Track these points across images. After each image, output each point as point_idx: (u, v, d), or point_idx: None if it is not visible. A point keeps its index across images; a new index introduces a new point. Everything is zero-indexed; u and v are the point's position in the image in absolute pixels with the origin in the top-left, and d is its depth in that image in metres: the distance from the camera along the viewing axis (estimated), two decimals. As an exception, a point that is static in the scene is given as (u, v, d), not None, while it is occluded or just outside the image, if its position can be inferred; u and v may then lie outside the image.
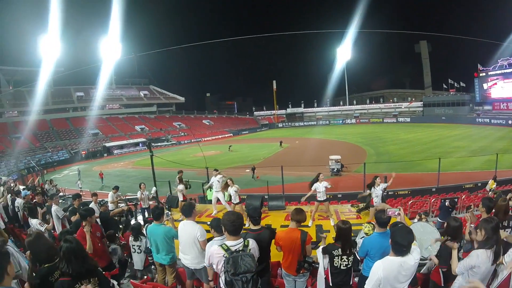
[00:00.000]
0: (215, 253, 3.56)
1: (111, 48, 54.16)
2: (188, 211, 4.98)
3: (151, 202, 13.08)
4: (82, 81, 74.68)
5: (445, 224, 4.46)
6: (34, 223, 7.07)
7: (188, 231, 4.91)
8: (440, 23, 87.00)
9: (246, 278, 3.20)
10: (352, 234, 4.66)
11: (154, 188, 14.19)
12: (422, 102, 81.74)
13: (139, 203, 13.17)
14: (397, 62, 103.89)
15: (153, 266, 6.51)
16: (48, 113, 67.78)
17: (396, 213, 4.24)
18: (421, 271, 5.06)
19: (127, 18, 47.71)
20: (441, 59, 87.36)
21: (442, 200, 11.29)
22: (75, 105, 75.21)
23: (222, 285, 3.45)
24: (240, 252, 3.39)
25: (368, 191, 9.40)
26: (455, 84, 76.19)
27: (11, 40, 56.14)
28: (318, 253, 4.47)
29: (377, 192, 9.17)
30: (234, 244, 3.55)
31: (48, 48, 50.90)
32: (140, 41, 78.40)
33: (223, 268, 3.37)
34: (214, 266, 3.60)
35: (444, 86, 78.82)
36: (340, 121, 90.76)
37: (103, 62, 58.55)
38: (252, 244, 3.68)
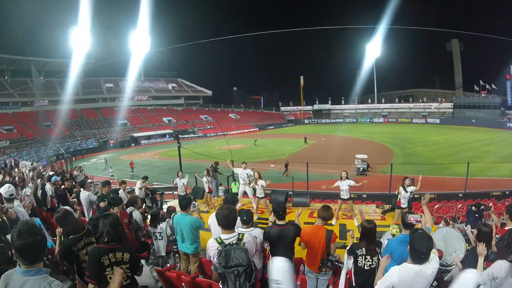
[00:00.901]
0: (210, 246, 3.66)
1: (141, 41, 54.92)
2: (232, 202, 5.09)
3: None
4: (111, 72, 76.50)
5: (477, 231, 4.37)
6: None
7: None
8: (473, 22, 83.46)
9: (238, 271, 3.24)
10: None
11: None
12: (452, 104, 78.40)
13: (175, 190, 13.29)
14: (428, 60, 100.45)
15: (176, 255, 6.63)
16: (78, 103, 69.74)
17: (417, 220, 4.14)
18: (445, 278, 4.98)
19: (157, 11, 48.41)
20: (473, 59, 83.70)
21: (469, 206, 11.00)
22: (104, 96, 77.08)
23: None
24: (234, 245, 3.45)
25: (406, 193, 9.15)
26: (487, 86, 72.65)
27: (42, 32, 58.46)
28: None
29: (405, 193, 8.99)
30: (228, 237, 3.62)
31: (79, 40, 51.96)
32: (170, 34, 79.14)
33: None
34: (211, 259, 3.68)
35: (476, 87, 75.22)
36: (368, 120, 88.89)
37: (132, 55, 59.42)
38: (248, 238, 3.74)
